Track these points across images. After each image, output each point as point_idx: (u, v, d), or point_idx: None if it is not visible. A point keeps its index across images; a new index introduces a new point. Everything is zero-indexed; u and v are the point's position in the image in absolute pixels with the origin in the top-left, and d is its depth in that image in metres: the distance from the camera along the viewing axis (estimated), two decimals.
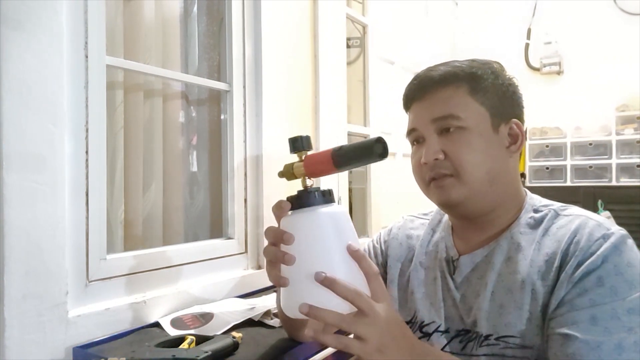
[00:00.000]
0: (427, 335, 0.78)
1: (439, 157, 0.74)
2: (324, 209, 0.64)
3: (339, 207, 0.66)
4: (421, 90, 0.79)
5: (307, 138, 0.67)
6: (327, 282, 0.59)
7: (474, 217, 0.78)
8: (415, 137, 0.80)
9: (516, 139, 0.77)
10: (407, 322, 0.82)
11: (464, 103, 0.75)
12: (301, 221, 0.64)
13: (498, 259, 0.74)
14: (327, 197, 0.65)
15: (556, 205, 0.77)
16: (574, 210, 0.75)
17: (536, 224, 0.75)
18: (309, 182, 0.67)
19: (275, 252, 0.64)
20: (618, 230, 0.68)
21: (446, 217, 0.87)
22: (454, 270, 0.79)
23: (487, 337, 0.71)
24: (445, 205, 0.78)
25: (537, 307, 0.68)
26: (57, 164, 0.88)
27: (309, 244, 0.62)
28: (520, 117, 0.79)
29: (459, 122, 0.74)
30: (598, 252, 0.65)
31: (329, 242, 0.62)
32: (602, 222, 0.70)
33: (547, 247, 0.71)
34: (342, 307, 0.59)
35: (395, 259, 0.90)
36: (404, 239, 0.91)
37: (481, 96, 0.76)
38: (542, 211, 0.76)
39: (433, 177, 0.76)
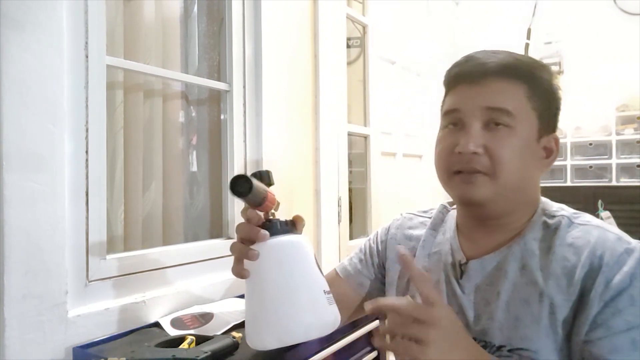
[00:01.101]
0: None
1: (479, 151, 0.69)
2: (277, 240, 0.67)
3: (294, 238, 0.69)
4: (476, 73, 0.73)
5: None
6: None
7: (488, 219, 0.75)
8: (455, 119, 0.73)
9: (550, 153, 0.75)
10: None
11: (520, 104, 0.71)
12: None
13: (512, 268, 0.71)
14: (284, 227, 0.68)
15: (568, 211, 0.74)
16: (587, 218, 0.72)
17: (551, 232, 0.71)
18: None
19: (241, 248, 0.67)
20: (637, 244, 0.67)
21: (451, 217, 0.84)
22: (461, 275, 0.76)
23: (499, 347, 0.69)
24: (467, 202, 0.74)
25: (556, 321, 0.66)
26: (57, 164, 0.88)
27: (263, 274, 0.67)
28: (556, 131, 0.78)
29: (510, 120, 0.70)
30: (625, 270, 0.64)
31: (278, 274, 0.66)
32: (621, 235, 0.68)
33: (564, 258, 0.68)
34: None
35: (394, 260, 0.87)
36: (402, 239, 0.88)
37: (535, 100, 0.72)
38: (555, 217, 0.73)
39: (460, 170, 0.71)
